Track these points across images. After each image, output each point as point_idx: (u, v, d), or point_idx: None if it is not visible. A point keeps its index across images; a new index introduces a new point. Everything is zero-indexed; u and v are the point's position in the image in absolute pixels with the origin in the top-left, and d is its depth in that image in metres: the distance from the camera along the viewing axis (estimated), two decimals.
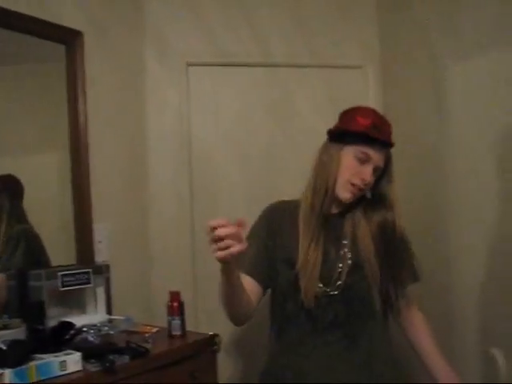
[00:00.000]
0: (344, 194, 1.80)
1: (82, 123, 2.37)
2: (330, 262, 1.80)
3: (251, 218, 2.71)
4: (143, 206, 2.68)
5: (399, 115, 2.76)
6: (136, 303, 2.56)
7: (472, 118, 2.28)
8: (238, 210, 2.76)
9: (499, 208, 2.16)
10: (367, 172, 1.78)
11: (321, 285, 1.77)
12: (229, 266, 1.52)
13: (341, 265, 1.79)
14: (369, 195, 1.87)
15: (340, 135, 1.83)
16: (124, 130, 2.61)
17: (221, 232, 1.40)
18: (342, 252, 1.82)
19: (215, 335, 2.16)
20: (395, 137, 2.71)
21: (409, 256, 1.87)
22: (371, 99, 2.87)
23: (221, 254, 1.42)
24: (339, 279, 1.77)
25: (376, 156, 1.79)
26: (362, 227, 1.82)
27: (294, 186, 2.76)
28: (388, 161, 1.84)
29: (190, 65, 2.74)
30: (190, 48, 2.74)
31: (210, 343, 2.14)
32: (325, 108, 2.83)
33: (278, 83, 2.84)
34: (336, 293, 1.77)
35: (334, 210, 1.87)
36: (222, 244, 1.41)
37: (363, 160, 1.78)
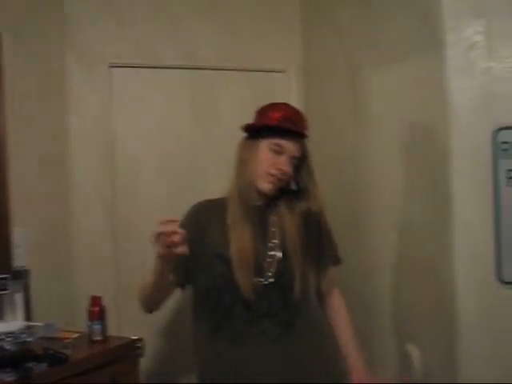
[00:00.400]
0: (264, 185, 1.87)
1: (0, 125, 2.31)
2: (260, 253, 1.86)
3: None
4: (65, 211, 2.63)
5: (320, 118, 2.83)
6: (58, 309, 2.51)
7: (386, 122, 2.37)
8: (161, 214, 2.74)
9: (408, 202, 2.26)
10: (283, 162, 1.86)
11: (256, 276, 1.83)
12: (164, 265, 1.63)
13: (271, 254, 1.87)
14: (294, 187, 1.96)
15: (255, 131, 1.92)
16: (45, 133, 2.56)
17: (167, 227, 1.52)
18: (270, 243, 1.89)
19: (137, 339, 2.15)
20: (315, 139, 2.78)
21: (330, 242, 1.98)
22: (293, 102, 2.88)
23: (164, 250, 1.54)
24: (270, 269, 1.85)
25: (290, 146, 1.87)
26: (287, 218, 1.91)
27: (217, 188, 2.80)
28: (305, 152, 1.92)
29: (112, 66, 2.71)
30: (113, 49, 2.71)
31: (132, 347, 2.13)
32: (249, 111, 2.84)
33: (202, 86, 2.85)
34: (268, 282, 1.84)
35: (259, 202, 1.93)
36: (168, 239, 1.51)
37: (278, 151, 1.87)
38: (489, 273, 2.00)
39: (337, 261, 2.03)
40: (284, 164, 1.86)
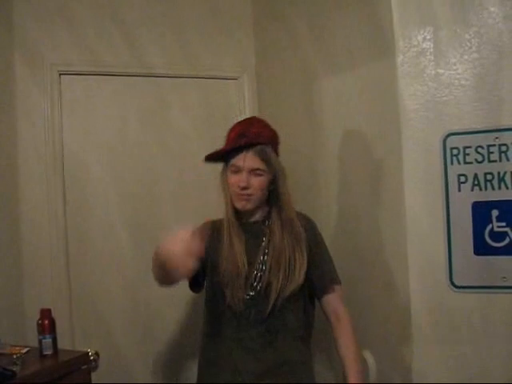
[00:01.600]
0: (237, 204, 1.96)
1: None
2: (252, 266, 1.94)
3: (126, 227, 2.70)
4: (14, 221, 2.55)
5: (273, 124, 2.82)
6: (6, 323, 2.43)
7: (340, 128, 2.39)
8: (112, 222, 2.72)
9: (360, 208, 2.28)
10: (240, 178, 1.92)
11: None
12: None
13: (261, 268, 1.94)
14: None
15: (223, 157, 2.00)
16: None
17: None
18: (260, 256, 1.96)
19: (90, 352, 2.10)
20: None
21: (324, 262, 2.03)
22: (247, 110, 2.92)
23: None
24: (260, 281, 1.92)
25: (245, 161, 1.91)
26: (277, 230, 1.96)
27: (169, 195, 2.79)
28: (267, 159, 1.94)
29: (62, 73, 2.65)
30: (62, 57, 2.64)
31: (84, 361, 2.08)
32: (201, 118, 2.85)
33: (153, 93, 2.81)
34: (258, 293, 1.93)
35: (256, 218, 2.02)
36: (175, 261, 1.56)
37: (235, 171, 1.94)
38: (441, 277, 2.03)
39: (333, 281, 2.01)
40: (241, 180, 1.91)
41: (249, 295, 1.93)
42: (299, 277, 1.92)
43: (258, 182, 1.93)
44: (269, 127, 2.02)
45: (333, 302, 1.99)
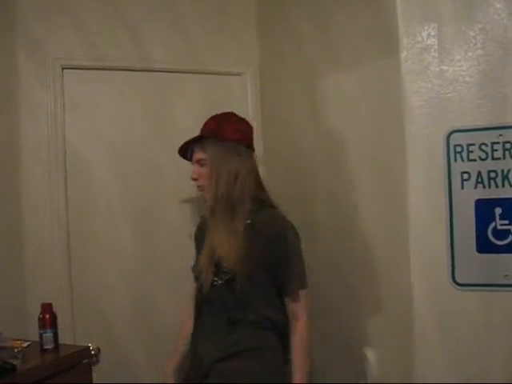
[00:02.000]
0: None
1: None
2: (222, 257, 2.00)
3: (128, 223, 2.70)
4: (16, 215, 2.55)
5: (276, 121, 2.83)
6: (8, 317, 2.42)
7: (342, 124, 2.38)
8: (114, 217, 2.71)
9: (364, 206, 2.28)
10: (192, 171, 2.09)
11: (215, 277, 2.01)
12: None
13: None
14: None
15: None
16: None
17: None
18: None
19: (91, 347, 2.10)
20: (271, 143, 2.78)
21: (292, 263, 2.04)
22: (250, 106, 2.91)
23: None
24: (228, 272, 1.98)
25: (193, 154, 2.10)
26: (246, 227, 2.02)
27: (171, 191, 2.78)
28: (207, 150, 2.06)
29: (64, 68, 2.64)
30: (65, 51, 2.64)
31: (84, 355, 2.07)
32: (204, 114, 2.82)
33: (156, 89, 2.80)
34: (223, 282, 2.00)
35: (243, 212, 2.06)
36: None
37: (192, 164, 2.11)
38: (443, 275, 2.03)
39: (298, 285, 2.03)
40: (192, 172, 2.09)
41: (217, 283, 2.01)
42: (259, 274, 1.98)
43: (203, 172, 2.05)
44: (217, 120, 2.13)
45: (295, 305, 2.02)
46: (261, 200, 2.06)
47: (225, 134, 2.06)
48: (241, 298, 1.98)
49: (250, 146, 2.10)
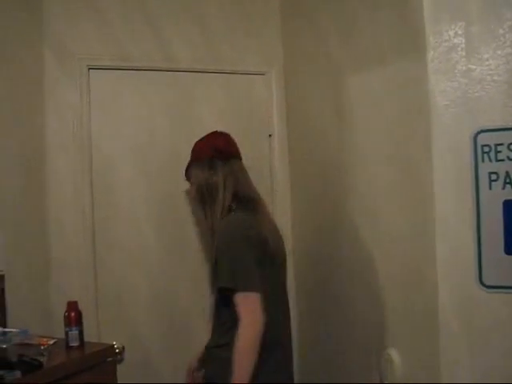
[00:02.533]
0: None
1: None
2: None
3: (152, 222, 2.71)
4: (42, 214, 2.58)
5: (301, 121, 2.82)
6: (35, 315, 2.46)
7: (368, 124, 2.36)
8: (139, 216, 2.73)
9: (390, 206, 2.24)
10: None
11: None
12: None
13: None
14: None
15: None
16: (22, 134, 2.51)
17: None
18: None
19: (115, 345, 2.11)
20: (297, 142, 2.77)
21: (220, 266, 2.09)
22: (274, 105, 2.91)
23: None
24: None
25: None
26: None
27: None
28: (189, 172, 2.35)
29: (90, 68, 2.67)
30: (91, 51, 2.67)
31: (109, 353, 2.09)
32: (227, 114, 2.84)
33: (180, 88, 2.82)
34: (212, 288, 2.25)
35: None
36: None
37: None
38: (470, 277, 2.00)
39: (236, 287, 2.04)
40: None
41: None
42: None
43: (193, 192, 2.32)
44: (201, 144, 2.33)
45: (236, 307, 2.01)
46: (240, 204, 2.17)
47: (200, 155, 2.29)
48: (217, 302, 2.14)
49: (227, 157, 2.24)
